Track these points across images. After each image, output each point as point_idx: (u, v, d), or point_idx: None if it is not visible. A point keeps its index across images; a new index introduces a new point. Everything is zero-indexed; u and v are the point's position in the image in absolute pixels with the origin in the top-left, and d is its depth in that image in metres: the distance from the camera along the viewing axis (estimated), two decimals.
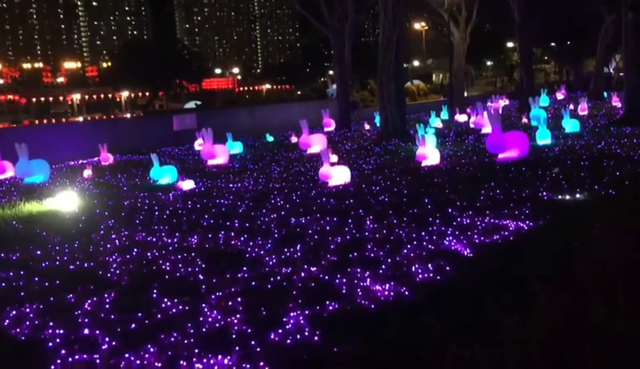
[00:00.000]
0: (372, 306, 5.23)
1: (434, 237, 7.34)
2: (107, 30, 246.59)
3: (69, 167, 19.18)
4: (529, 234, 7.25)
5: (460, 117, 28.80)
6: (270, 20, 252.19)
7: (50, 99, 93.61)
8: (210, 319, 5.12)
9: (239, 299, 5.59)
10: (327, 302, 5.30)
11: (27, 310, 5.59)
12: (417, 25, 60.40)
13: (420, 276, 5.91)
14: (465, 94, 37.14)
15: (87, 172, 16.60)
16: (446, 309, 4.98)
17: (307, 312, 5.12)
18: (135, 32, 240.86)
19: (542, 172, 11.38)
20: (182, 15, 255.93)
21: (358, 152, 17.83)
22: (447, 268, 6.07)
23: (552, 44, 57.24)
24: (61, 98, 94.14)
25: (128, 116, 68.67)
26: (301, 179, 13.26)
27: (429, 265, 6.18)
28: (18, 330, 5.13)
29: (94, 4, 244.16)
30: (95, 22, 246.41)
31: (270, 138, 24.88)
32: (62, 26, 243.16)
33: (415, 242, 7.12)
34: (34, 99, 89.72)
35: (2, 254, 7.88)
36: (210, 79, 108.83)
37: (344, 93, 28.40)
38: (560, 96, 40.76)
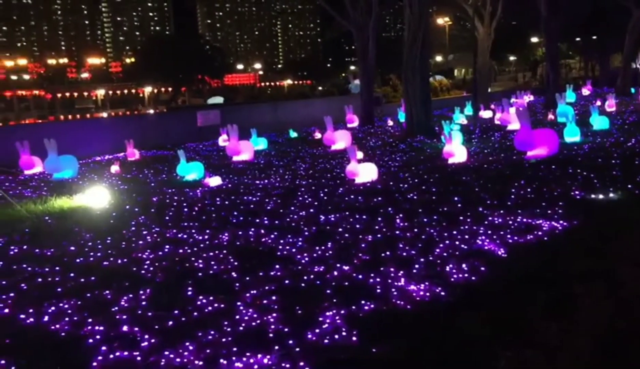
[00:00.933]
0: (408, 306, 5.22)
1: (466, 236, 7.29)
2: (130, 26, 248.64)
3: (96, 163, 19.38)
4: (563, 234, 7.16)
5: (485, 114, 28.55)
6: (291, 15, 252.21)
7: (75, 94, 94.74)
8: (246, 318, 5.14)
9: (274, 297, 5.61)
10: (363, 301, 5.30)
11: (66, 306, 5.67)
12: (440, 20, 59.95)
13: (455, 276, 5.88)
14: (489, 90, 36.75)
15: (115, 168, 16.75)
16: (484, 310, 4.95)
17: (342, 311, 5.12)
18: (157, 28, 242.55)
19: (572, 171, 11.23)
20: (204, 10, 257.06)
21: (383, 149, 17.76)
22: (482, 268, 6.03)
23: (578, 39, 56.42)
24: (85, 93, 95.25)
25: (151, 111, 69.29)
26: (327, 176, 13.26)
27: (463, 265, 6.14)
28: (57, 326, 5.20)
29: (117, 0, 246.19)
30: (119, 18, 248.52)
31: (293, 134, 24.89)
32: (86, 22, 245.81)
33: (447, 242, 7.08)
34: (59, 95, 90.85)
35: (37, 250, 7.98)
36: (232, 74, 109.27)
37: (368, 89, 28.29)
38: (586, 91, 40.18)
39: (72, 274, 6.76)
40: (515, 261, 6.25)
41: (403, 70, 20.43)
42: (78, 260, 7.41)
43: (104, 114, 65.30)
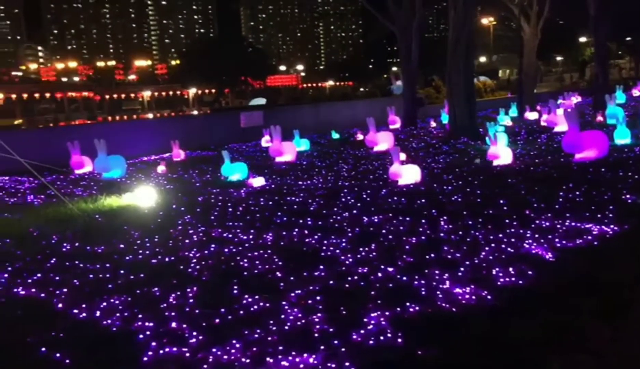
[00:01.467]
0: (454, 309, 5.18)
1: (513, 239, 7.18)
2: (175, 28, 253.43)
3: (143, 163, 19.81)
4: (614, 238, 6.99)
5: (531, 115, 28.05)
6: (333, 17, 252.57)
7: (122, 96, 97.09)
8: (291, 317, 5.19)
9: (318, 297, 5.65)
10: (407, 304, 5.28)
11: (116, 302, 5.83)
12: (485, 21, 59.13)
13: (501, 279, 5.80)
14: (535, 91, 36.05)
15: (161, 168, 17.11)
16: (532, 314, 4.87)
17: (387, 313, 5.12)
18: (201, 31, 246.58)
19: (623, 174, 10.94)
20: (247, 13, 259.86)
21: (425, 151, 17.63)
22: (530, 272, 5.94)
23: (628, 38, 54.83)
24: (132, 95, 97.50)
25: (195, 112, 70.43)
26: (370, 177, 13.25)
27: (510, 269, 6.06)
28: (109, 321, 5.35)
29: (163, 3, 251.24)
30: (165, 21, 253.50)
31: (335, 135, 24.94)
32: (134, 25, 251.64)
33: (493, 245, 6.99)
34: (107, 96, 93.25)
35: (88, 247, 8.22)
36: (275, 76, 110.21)
37: (411, 90, 28.14)
38: (636, 92, 39.06)
39: (121, 271, 6.94)
40: (564, 265, 6.13)
41: (447, 71, 20.26)
42: (127, 257, 7.60)
43: (150, 115, 66.64)
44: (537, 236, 7.26)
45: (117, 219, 10.07)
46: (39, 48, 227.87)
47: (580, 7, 33.00)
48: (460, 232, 7.70)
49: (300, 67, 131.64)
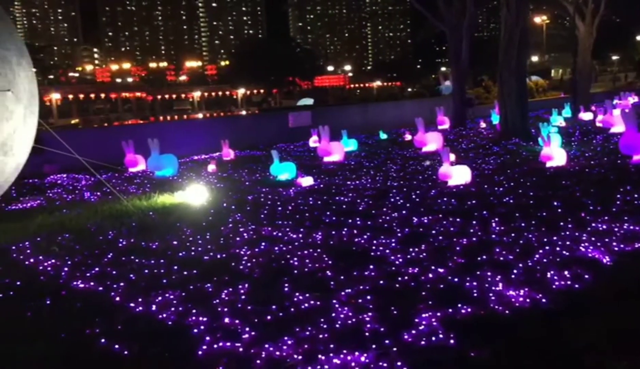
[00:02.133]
0: (507, 311, 5.11)
1: (567, 242, 7.02)
2: (225, 30, 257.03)
3: (194, 162, 20.17)
4: None
5: (585, 115, 27.30)
6: (381, 17, 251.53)
7: (174, 96, 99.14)
8: (342, 315, 5.22)
9: (369, 297, 5.66)
10: (459, 305, 5.24)
11: (171, 297, 5.98)
12: (537, 19, 57.82)
13: (556, 283, 5.68)
14: (590, 91, 35.05)
15: (212, 167, 17.39)
16: (587, 319, 4.77)
17: (438, 314, 5.09)
18: (250, 32, 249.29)
19: None
20: (295, 14, 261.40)
21: (475, 151, 17.38)
22: (586, 276, 5.80)
23: None
24: (183, 95, 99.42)
25: (244, 112, 71.31)
26: (419, 177, 13.15)
27: (565, 272, 5.93)
28: (164, 315, 5.49)
29: (214, 5, 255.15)
30: (214, 23, 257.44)
31: (383, 135, 24.84)
32: (185, 27, 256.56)
33: (547, 247, 6.85)
34: (159, 97, 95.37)
35: (143, 243, 8.45)
36: (322, 76, 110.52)
37: (460, 91, 27.79)
38: None
39: (175, 267, 7.11)
40: (622, 269, 5.97)
41: (498, 71, 19.91)
42: (181, 254, 7.78)
43: (200, 115, 67.82)
44: (593, 239, 7.08)
45: (170, 216, 10.31)
46: (95, 50, 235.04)
47: (637, 5, 31.95)
48: (513, 234, 7.57)
49: (347, 67, 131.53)
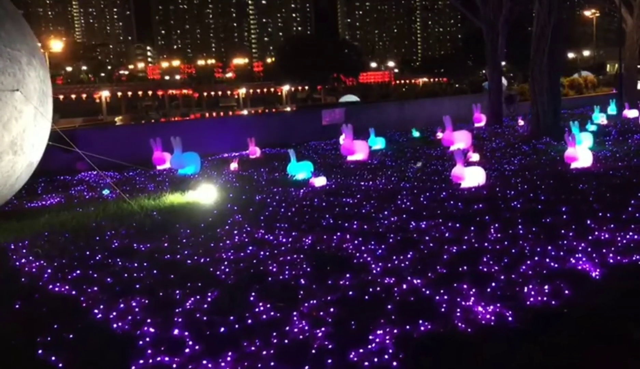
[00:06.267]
0: (469, 329, 4.77)
1: (561, 253, 6.58)
2: (274, 27, 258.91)
3: (221, 160, 20.18)
4: None
5: (630, 113, 26.08)
6: (431, 12, 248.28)
7: (219, 93, 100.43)
8: (295, 330, 4.98)
9: (332, 309, 5.40)
10: (421, 321, 4.93)
11: (135, 304, 5.85)
12: (588, 13, 55.70)
13: (532, 299, 5.29)
14: (639, 87, 33.45)
15: (234, 165, 17.36)
16: (554, 341, 4.39)
17: (395, 331, 4.80)
18: (299, 28, 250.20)
19: None
20: (344, 10, 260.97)
21: (503, 151, 16.77)
22: (566, 292, 5.38)
23: None
24: (229, 92, 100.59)
25: (288, 109, 71.51)
26: (435, 178, 12.74)
27: (546, 286, 5.52)
28: (119, 324, 5.36)
29: (263, 2, 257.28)
30: (264, 20, 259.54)
31: (416, 133, 24.36)
32: (235, 24, 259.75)
33: (536, 258, 6.43)
34: (205, 94, 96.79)
35: (135, 245, 8.40)
36: (367, 72, 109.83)
37: (496, 87, 26.98)
38: None
39: (155, 271, 7.01)
40: (608, 285, 5.52)
41: (530, 67, 19.16)
42: (166, 256, 7.69)
43: (245, 112, 68.43)
44: (590, 249, 6.61)
45: (174, 217, 10.25)
46: (148, 48, 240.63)
47: None
48: (507, 243, 7.16)
49: (391, 63, 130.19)
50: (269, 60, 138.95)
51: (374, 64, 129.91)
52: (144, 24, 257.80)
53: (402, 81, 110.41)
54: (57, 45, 77.07)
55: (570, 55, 75.16)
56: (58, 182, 16.45)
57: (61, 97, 76.33)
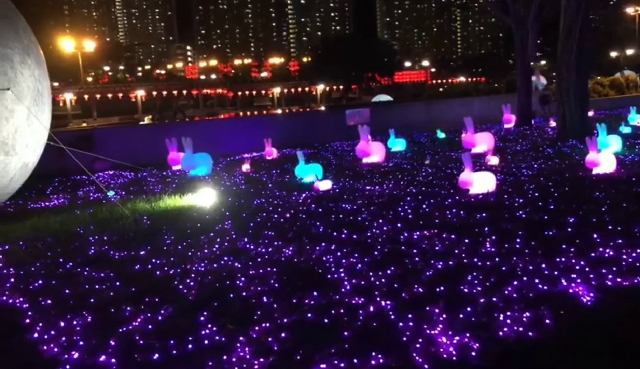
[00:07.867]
0: (426, 366, 4.16)
1: (556, 272, 5.88)
2: (312, 26, 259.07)
3: (235, 161, 19.79)
4: None
5: None
6: (471, 10, 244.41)
7: (254, 92, 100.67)
8: (234, 359, 4.46)
9: (283, 334, 4.86)
10: (375, 353, 4.35)
11: (75, 322, 5.42)
12: (630, 10, 53.52)
13: (506, 328, 4.64)
14: None
15: (246, 167, 16.96)
16: None
17: (342, 364, 4.23)
18: (338, 28, 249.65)
19: None
20: (383, 9, 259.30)
21: (526, 154, 15.88)
22: (547, 321, 4.71)
23: None
24: (263, 92, 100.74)
25: (322, 108, 71.04)
26: (445, 183, 12.01)
27: (526, 314, 4.86)
28: (52, 345, 4.91)
29: (302, 2, 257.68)
30: (302, 19, 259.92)
31: (441, 135, 23.53)
32: (273, 24, 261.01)
33: (525, 278, 5.75)
34: (239, 93, 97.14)
35: (111, 252, 8.01)
36: (403, 72, 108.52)
37: (526, 88, 25.90)
38: None
39: (118, 283, 6.59)
40: (599, 311, 4.82)
41: (556, 66, 18.17)
42: (137, 266, 7.26)
43: (279, 111, 68.25)
44: (588, 269, 5.90)
45: (162, 222, 9.85)
46: (188, 48, 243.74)
47: None
48: (498, 259, 6.49)
49: (426, 63, 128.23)
50: (305, 59, 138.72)
51: (408, 64, 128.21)
52: (185, 24, 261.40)
53: (439, 81, 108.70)
54: (89, 45, 78.17)
55: (613, 53, 72.52)
56: (72, 182, 16.33)
57: (98, 96, 77.58)
